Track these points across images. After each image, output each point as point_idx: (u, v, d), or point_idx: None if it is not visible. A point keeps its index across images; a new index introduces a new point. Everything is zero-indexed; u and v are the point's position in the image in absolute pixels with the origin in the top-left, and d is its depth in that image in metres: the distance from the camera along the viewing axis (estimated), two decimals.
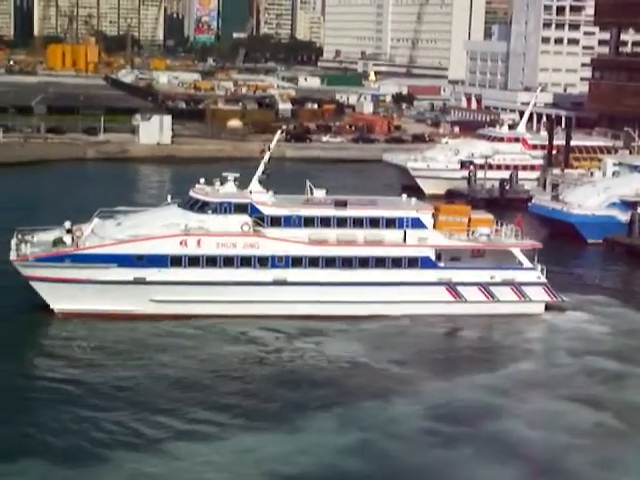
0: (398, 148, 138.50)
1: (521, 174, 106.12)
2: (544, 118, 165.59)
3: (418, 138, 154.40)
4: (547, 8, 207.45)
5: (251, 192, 58.75)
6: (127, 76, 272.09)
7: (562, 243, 77.47)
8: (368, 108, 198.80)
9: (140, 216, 59.69)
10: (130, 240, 55.85)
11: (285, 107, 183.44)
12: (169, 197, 60.82)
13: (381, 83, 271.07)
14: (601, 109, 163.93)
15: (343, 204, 59.27)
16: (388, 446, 40.73)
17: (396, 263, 58.28)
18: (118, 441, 40.17)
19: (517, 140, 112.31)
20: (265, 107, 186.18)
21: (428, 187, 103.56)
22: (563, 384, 48.77)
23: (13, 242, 56.70)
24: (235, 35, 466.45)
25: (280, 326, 55.41)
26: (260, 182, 59.21)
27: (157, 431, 41.33)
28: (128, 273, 55.45)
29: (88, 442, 39.95)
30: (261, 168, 59.42)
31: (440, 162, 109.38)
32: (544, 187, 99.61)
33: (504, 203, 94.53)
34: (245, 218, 57.28)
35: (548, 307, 60.52)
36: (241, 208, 57.56)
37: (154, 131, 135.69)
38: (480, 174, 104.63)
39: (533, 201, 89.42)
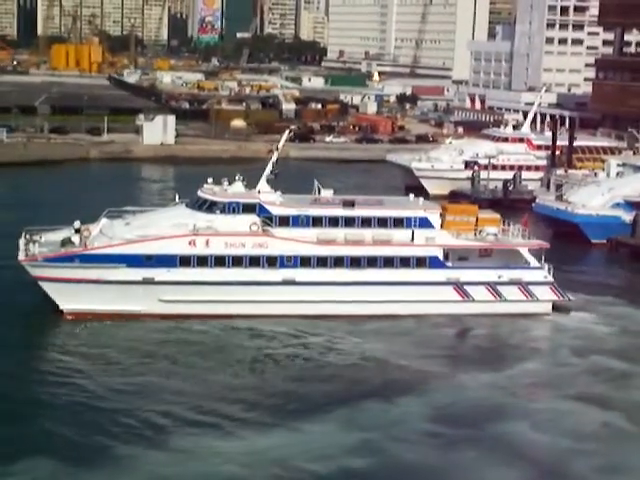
0: (402, 148, 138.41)
1: (525, 174, 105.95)
2: (548, 118, 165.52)
3: (422, 138, 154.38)
4: (551, 8, 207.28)
5: (259, 192, 58.81)
6: (131, 76, 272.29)
7: (566, 243, 77.35)
8: (372, 108, 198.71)
9: (148, 216, 59.76)
10: (139, 240, 55.89)
11: (289, 107, 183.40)
12: (177, 197, 60.79)
13: (385, 83, 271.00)
14: (605, 109, 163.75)
15: (351, 204, 59.35)
16: (392, 446, 40.71)
17: (404, 263, 58.39)
18: (127, 438, 40.32)
19: (521, 140, 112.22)
20: (269, 107, 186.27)
21: (432, 187, 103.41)
22: (571, 383, 48.88)
23: (21, 242, 56.68)
24: (239, 35, 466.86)
25: (289, 325, 55.56)
26: (268, 182, 59.27)
27: (166, 429, 41.45)
28: (137, 273, 55.48)
29: (97, 440, 40.09)
30: (269, 168, 59.47)
31: (444, 162, 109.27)
32: (548, 187, 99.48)
33: (508, 204, 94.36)
34: (253, 218, 57.34)
35: (555, 306, 60.66)
36: (249, 208, 57.61)
37: (158, 131, 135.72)
38: (484, 174, 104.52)
39: (537, 201, 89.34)
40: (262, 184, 59.17)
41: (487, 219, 61.62)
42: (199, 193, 59.08)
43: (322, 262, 57.45)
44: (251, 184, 59.73)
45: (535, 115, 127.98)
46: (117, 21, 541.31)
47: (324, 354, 52.34)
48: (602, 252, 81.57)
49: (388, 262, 58.20)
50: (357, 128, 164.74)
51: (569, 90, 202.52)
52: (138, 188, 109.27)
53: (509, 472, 38.88)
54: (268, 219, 57.68)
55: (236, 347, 52.83)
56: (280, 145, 60.86)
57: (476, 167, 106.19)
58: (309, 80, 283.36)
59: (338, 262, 57.63)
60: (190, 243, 56.17)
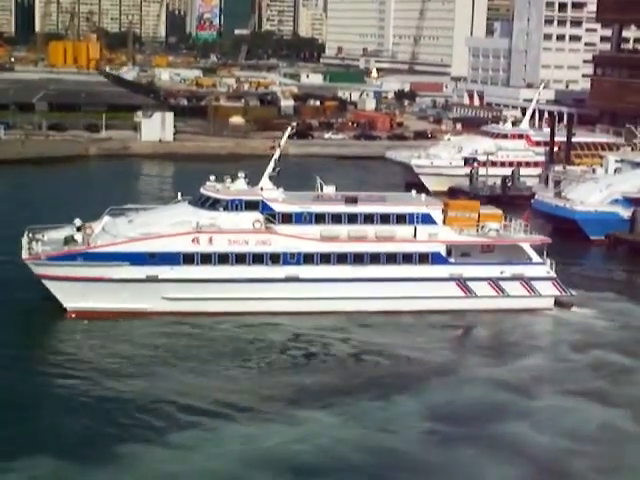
0: (400, 145, 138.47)
1: (524, 171, 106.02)
2: (546, 115, 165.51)
3: (420, 135, 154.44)
4: (549, 5, 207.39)
5: (262, 189, 58.76)
6: (129, 73, 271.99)
7: (564, 240, 77.42)
8: (370, 105, 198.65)
9: (151, 214, 59.70)
10: (142, 238, 55.85)
11: (287, 104, 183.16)
12: (179, 195, 60.66)
13: (383, 80, 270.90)
14: (603, 106, 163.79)
15: (354, 200, 59.42)
16: (388, 442, 40.80)
17: (407, 259, 58.51)
18: (129, 435, 40.39)
19: (521, 137, 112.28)
20: (267, 104, 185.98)
21: (432, 184, 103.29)
22: (574, 379, 49.02)
23: (24, 240, 56.63)
24: (237, 32, 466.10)
25: (291, 321, 55.76)
26: (270, 179, 59.26)
27: (168, 424, 41.55)
28: (140, 271, 55.45)
29: (99, 437, 40.14)
30: (271, 165, 59.45)
31: (444, 159, 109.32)
32: (546, 184, 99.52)
33: (506, 200, 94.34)
34: (257, 215, 57.37)
35: (557, 302, 60.85)
36: (252, 205, 57.60)
37: (156, 128, 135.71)
38: (483, 171, 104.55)
39: (536, 198, 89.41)
40: (265, 181, 59.15)
41: (489, 215, 61.84)
42: (202, 190, 59.00)
43: (325, 259, 57.52)
44: (252, 181, 59.70)
45: (533, 112, 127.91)
46: (115, 18, 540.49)
47: (324, 348, 52.54)
48: (601, 248, 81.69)
49: (391, 258, 58.30)
50: (355, 125, 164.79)
51: (567, 86, 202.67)
52: (137, 185, 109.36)
53: (508, 470, 38.85)
54: (271, 216, 57.68)
55: (236, 344, 52.86)
56: (282, 142, 60.82)
57: (475, 164, 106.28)
58: (307, 77, 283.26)
59: (341, 259, 57.73)
60: (193, 241, 56.15)
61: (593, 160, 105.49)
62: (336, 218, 58.34)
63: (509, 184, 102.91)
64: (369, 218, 58.72)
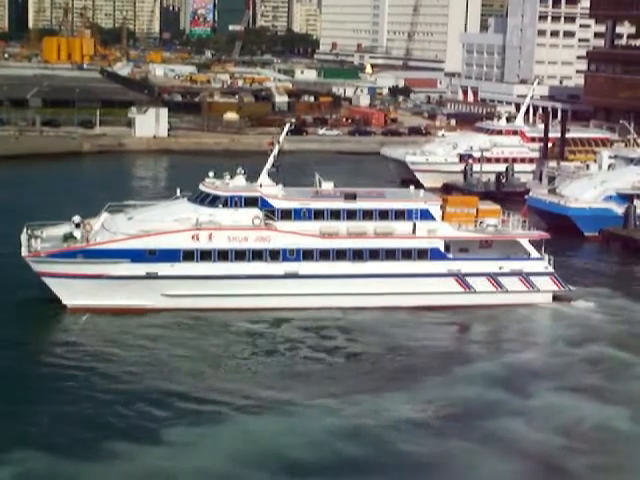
0: (395, 141, 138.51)
1: (519, 167, 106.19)
2: (540, 110, 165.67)
3: (415, 131, 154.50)
4: (543, 1, 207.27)
5: (261, 185, 58.83)
6: (123, 69, 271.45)
7: (559, 236, 77.56)
8: (365, 101, 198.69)
9: (150, 210, 59.67)
10: (142, 235, 55.90)
11: (281, 100, 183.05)
12: (178, 191, 60.55)
13: (377, 76, 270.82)
14: (597, 102, 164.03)
15: (353, 196, 59.55)
16: (385, 435, 40.95)
17: (406, 255, 58.70)
18: (124, 431, 40.47)
19: (515, 133, 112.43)
20: (261, 100, 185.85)
21: (427, 181, 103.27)
22: (571, 373, 49.37)
23: (23, 237, 56.56)
24: (231, 28, 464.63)
25: (289, 317, 56.05)
26: (269, 175, 59.25)
27: (163, 421, 41.64)
28: (140, 268, 55.52)
29: (93, 433, 40.19)
30: (270, 161, 59.46)
31: (439, 156, 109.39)
32: (540, 180, 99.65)
33: (500, 197, 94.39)
34: (256, 211, 57.46)
35: (555, 297, 61.15)
36: (251, 201, 57.69)
37: (150, 124, 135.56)
38: (478, 167, 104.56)
39: (530, 194, 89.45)
40: (264, 177, 59.22)
41: (487, 210, 62.09)
42: (201, 187, 59.04)
43: (325, 255, 57.69)
44: (250, 177, 59.72)
45: (527, 107, 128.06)
46: (109, 14, 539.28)
47: (319, 344, 52.66)
48: (595, 244, 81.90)
49: (390, 254, 58.51)
50: (350, 120, 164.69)
51: (561, 82, 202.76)
52: (131, 181, 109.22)
53: (502, 465, 39.06)
54: (270, 212, 57.80)
55: (236, 339, 53.04)
56: (281, 138, 60.81)
57: (470, 160, 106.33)
58: (302, 73, 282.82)
59: (340, 255, 57.90)
60: (193, 237, 56.26)
61: (587, 156, 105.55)
62: (335, 214, 58.53)
63: (503, 180, 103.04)
64: (368, 214, 58.93)
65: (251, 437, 40.41)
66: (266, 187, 58.65)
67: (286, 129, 62.61)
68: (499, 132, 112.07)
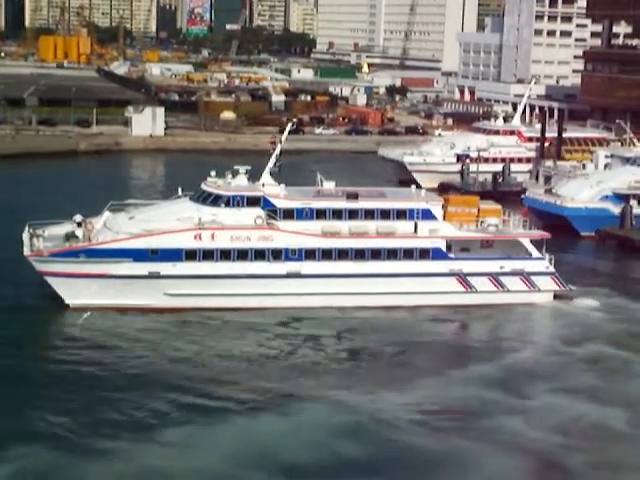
0: (392, 140, 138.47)
1: (516, 167, 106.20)
2: (537, 110, 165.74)
3: (411, 130, 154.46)
4: (540, 0, 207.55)
5: (263, 185, 58.79)
6: (120, 68, 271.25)
7: (555, 236, 77.67)
8: (361, 100, 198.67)
9: (152, 210, 59.60)
10: (144, 234, 55.85)
11: (278, 99, 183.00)
12: (180, 190, 60.45)
13: (374, 75, 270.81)
14: (593, 101, 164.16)
15: (355, 196, 59.56)
16: (384, 434, 41.00)
17: (408, 254, 58.78)
18: (120, 429, 40.55)
19: (512, 133, 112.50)
20: (258, 99, 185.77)
21: (425, 181, 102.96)
22: (572, 372, 49.52)
23: (25, 236, 56.43)
24: (228, 27, 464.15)
25: (292, 317, 56.08)
26: (271, 174, 59.21)
27: (161, 419, 41.77)
28: (143, 267, 55.48)
29: (90, 431, 40.24)
30: (272, 160, 59.41)
31: (436, 156, 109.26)
32: (536, 179, 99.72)
33: (497, 196, 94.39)
34: (258, 211, 57.44)
35: (556, 296, 61.31)
36: (254, 201, 57.68)
37: (147, 123, 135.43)
38: (474, 167, 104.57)
39: (527, 194, 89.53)
40: (266, 177, 59.20)
41: (488, 210, 62.25)
42: (203, 186, 58.98)
43: (327, 255, 57.73)
44: (249, 176, 59.66)
45: (524, 107, 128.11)
46: (106, 13, 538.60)
47: (320, 344, 52.75)
48: (591, 244, 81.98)
49: (392, 254, 58.60)
50: (347, 120, 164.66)
51: (558, 82, 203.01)
52: (128, 180, 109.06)
53: (502, 463, 39.14)
54: (272, 212, 57.81)
55: (237, 341, 53.03)
56: (283, 138, 60.74)
57: (467, 160, 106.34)
58: (298, 72, 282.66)
59: (342, 254, 57.97)
60: (195, 237, 56.26)
61: (584, 155, 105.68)
62: (337, 214, 58.61)
63: (500, 180, 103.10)
64: (370, 214, 59.00)
65: (250, 436, 40.43)
66: (268, 187, 58.64)
67: (288, 128, 62.47)
68: (496, 132, 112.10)
